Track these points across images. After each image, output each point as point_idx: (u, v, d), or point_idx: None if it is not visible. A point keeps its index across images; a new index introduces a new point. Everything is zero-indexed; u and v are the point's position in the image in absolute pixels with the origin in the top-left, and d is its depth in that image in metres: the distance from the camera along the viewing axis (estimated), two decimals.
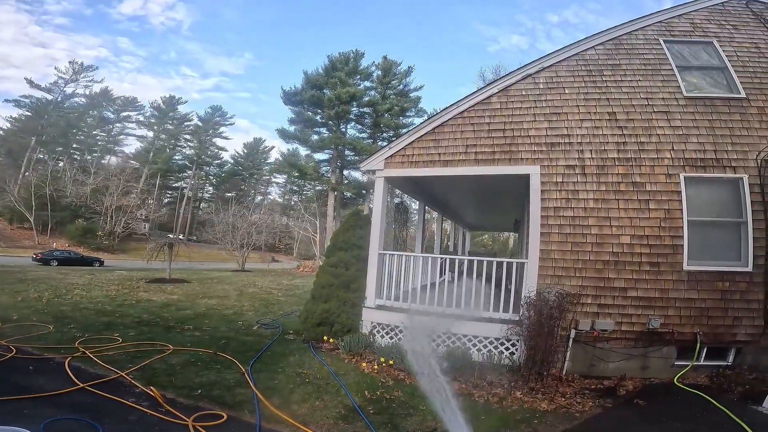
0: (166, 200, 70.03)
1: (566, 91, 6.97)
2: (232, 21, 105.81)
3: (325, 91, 35.84)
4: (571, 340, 6.02)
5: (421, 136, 7.35)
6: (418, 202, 11.44)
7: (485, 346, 6.26)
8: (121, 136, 67.97)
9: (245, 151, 74.43)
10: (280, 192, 75.62)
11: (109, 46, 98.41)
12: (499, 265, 6.63)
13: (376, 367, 5.79)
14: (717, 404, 4.53)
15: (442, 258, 7.27)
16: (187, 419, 3.82)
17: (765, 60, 6.75)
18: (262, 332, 7.93)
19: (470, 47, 69.18)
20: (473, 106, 7.18)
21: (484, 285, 6.52)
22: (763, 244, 5.87)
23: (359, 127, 39.81)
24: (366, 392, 4.93)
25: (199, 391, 4.63)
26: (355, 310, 7.05)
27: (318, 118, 37.88)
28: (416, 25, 68.49)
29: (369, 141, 36.29)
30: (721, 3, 7.37)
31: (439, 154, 7.14)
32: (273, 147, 76.43)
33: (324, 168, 40.91)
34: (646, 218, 6.17)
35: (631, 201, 6.26)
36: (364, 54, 38.25)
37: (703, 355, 5.94)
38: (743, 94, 6.46)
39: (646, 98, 6.69)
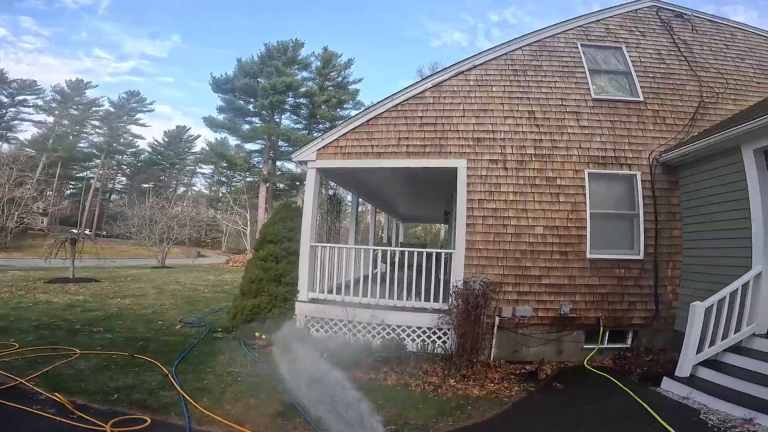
0: (68, 192, 62.46)
1: (493, 89, 7.34)
2: (158, 1, 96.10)
3: (259, 80, 34.24)
4: (496, 327, 6.41)
5: (355, 127, 7.36)
6: (351, 194, 11.46)
7: (418, 336, 6.45)
8: (16, 122, 59.07)
9: (166, 139, 68.58)
10: (207, 183, 71.06)
11: (9, 25, 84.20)
12: (429, 255, 6.87)
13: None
14: (623, 387, 5.05)
15: (375, 250, 7.38)
16: (104, 425, 3.53)
17: (664, 66, 7.55)
18: (186, 331, 7.46)
19: (414, 41, 70.39)
20: (407, 99, 7.32)
21: (416, 275, 6.73)
22: (653, 234, 6.70)
23: (294, 117, 38.77)
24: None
25: (116, 395, 4.27)
26: (287, 304, 6.93)
27: (250, 107, 36.08)
28: (361, 17, 67.86)
29: (304, 132, 35.49)
30: (634, 10, 8.04)
31: (372, 146, 7.22)
32: (199, 136, 71.13)
33: (255, 159, 39.16)
34: (557, 210, 6.76)
35: (545, 194, 6.82)
36: (303, 44, 37.22)
37: (606, 338, 6.60)
38: (642, 98, 7.24)
39: (561, 99, 7.26)
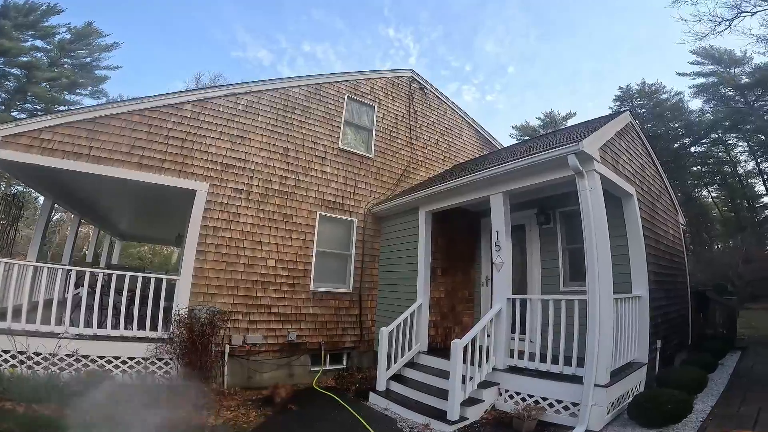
0: None
1: (259, 119, 7.42)
2: None
3: None
4: (226, 356, 6.24)
5: (74, 121, 6.03)
6: (44, 198, 8.96)
7: (131, 367, 5.54)
8: None
9: None
10: None
11: None
12: (147, 281, 6.03)
13: None
14: (343, 403, 5.67)
15: (67, 269, 5.92)
16: None
17: (395, 130, 9.23)
18: None
19: (215, 45, 62.11)
20: (161, 107, 6.59)
21: (127, 301, 5.82)
22: (360, 272, 8.05)
23: None
24: None
25: None
26: None
27: None
28: (161, 7, 55.18)
29: None
30: (397, 76, 9.60)
31: (92, 147, 6.02)
32: None
33: None
34: (289, 246, 7.30)
35: (280, 230, 7.26)
36: (62, 11, 27.84)
37: (328, 361, 7.37)
38: (372, 155, 8.70)
39: (315, 142, 7.98)
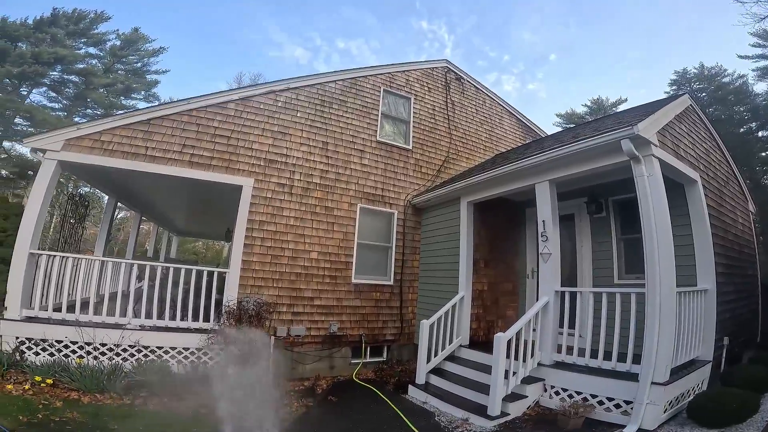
0: None
1: (298, 115, 7.56)
2: None
3: (20, 44, 25.72)
4: (272, 347, 6.38)
5: (131, 123, 6.42)
6: (107, 197, 9.65)
7: (186, 358, 5.84)
8: None
9: None
10: None
11: None
12: (201, 273, 6.34)
13: (27, 387, 4.67)
14: (382, 396, 5.76)
15: (130, 263, 6.33)
16: None
17: (433, 121, 9.13)
18: None
19: (251, 46, 64.83)
20: (207, 106, 6.85)
21: (183, 294, 6.14)
22: (400, 264, 8.02)
23: (53, 95, 30.39)
24: (21, 416, 3.92)
25: None
26: None
27: None
28: (198, 10, 58.48)
29: (62, 114, 28.06)
30: (432, 68, 9.50)
31: (147, 147, 6.38)
32: None
33: None
34: (331, 238, 7.39)
35: (322, 222, 7.37)
36: (109, 18, 29.97)
37: (368, 353, 7.43)
38: (411, 147, 8.64)
39: (353, 136, 8.02)
